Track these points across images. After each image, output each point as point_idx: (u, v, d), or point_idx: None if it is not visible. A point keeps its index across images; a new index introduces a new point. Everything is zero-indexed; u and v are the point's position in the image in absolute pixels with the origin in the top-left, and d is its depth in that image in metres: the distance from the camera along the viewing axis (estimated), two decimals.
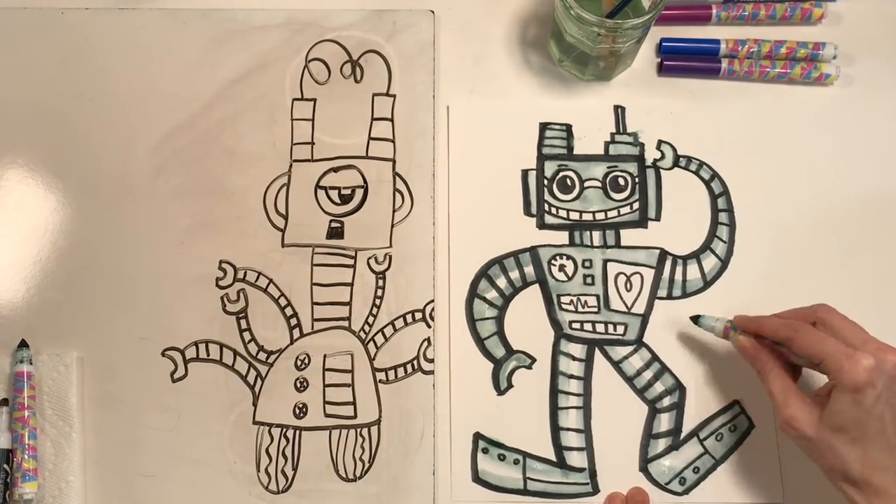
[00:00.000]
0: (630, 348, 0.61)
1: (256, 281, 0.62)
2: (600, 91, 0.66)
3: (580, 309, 0.61)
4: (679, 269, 0.62)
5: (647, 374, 0.60)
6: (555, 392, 0.60)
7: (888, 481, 0.50)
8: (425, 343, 0.61)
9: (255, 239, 0.62)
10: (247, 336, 0.61)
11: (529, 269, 0.62)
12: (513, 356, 0.61)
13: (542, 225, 0.63)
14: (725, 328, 0.57)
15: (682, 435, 0.59)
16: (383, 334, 0.61)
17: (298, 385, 0.60)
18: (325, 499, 0.58)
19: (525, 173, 0.64)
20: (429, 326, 0.61)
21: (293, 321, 0.61)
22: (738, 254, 0.62)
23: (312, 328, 0.61)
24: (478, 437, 0.59)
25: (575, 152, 0.64)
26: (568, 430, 0.59)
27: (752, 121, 0.65)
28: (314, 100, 0.65)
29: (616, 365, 0.61)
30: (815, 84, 0.66)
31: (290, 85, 0.65)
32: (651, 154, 0.64)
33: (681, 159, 0.64)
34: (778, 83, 0.66)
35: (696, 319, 0.59)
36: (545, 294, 0.62)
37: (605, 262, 0.62)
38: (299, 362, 0.60)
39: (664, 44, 0.66)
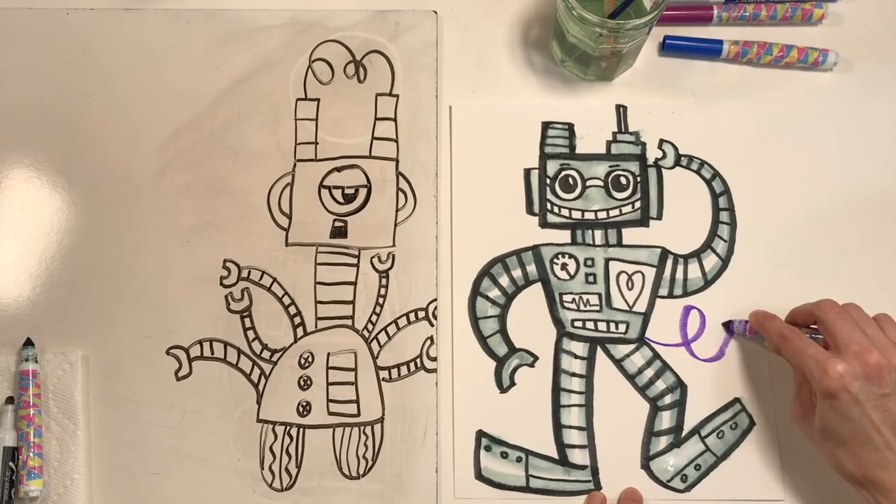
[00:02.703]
0: (632, 346, 0.61)
1: (260, 280, 0.62)
2: (602, 91, 0.66)
3: (582, 307, 0.62)
4: (680, 268, 0.63)
5: (649, 372, 0.60)
6: (557, 390, 0.60)
7: (886, 478, 0.50)
8: (428, 341, 0.61)
9: (259, 238, 0.63)
10: (251, 334, 0.61)
11: (532, 268, 0.63)
12: (515, 354, 0.61)
13: (544, 224, 0.63)
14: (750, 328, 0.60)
15: (684, 432, 0.60)
16: (386, 333, 0.61)
17: (302, 383, 0.60)
18: (328, 496, 0.59)
19: (527, 172, 0.64)
20: (432, 325, 0.61)
21: (297, 320, 0.61)
22: (738, 253, 0.63)
23: (316, 327, 0.61)
24: (480, 434, 0.60)
25: (577, 151, 0.65)
26: (570, 427, 0.60)
27: (752, 120, 0.65)
28: (318, 100, 0.65)
29: (618, 363, 0.61)
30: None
31: (293, 85, 0.66)
32: (652, 153, 0.65)
33: (682, 158, 0.65)
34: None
35: (727, 326, 0.61)
36: (547, 292, 0.62)
37: (607, 260, 0.63)
38: (303, 361, 0.61)
39: (668, 41, 0.66)
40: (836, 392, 0.51)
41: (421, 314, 0.61)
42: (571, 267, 0.63)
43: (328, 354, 0.61)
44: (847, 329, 0.53)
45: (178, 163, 0.64)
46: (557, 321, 0.62)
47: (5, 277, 0.62)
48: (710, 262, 0.63)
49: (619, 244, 0.63)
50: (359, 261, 0.62)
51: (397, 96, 0.65)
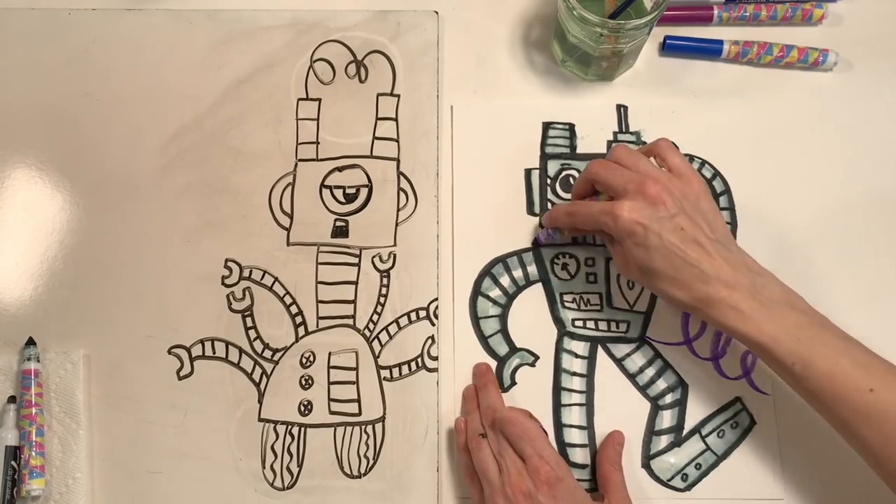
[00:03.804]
0: (632, 346, 0.61)
1: (262, 279, 0.62)
2: (603, 91, 0.67)
3: (583, 307, 0.62)
4: None
5: (650, 372, 0.61)
6: (558, 389, 0.60)
7: (712, 292, 0.52)
8: (429, 341, 0.61)
9: (260, 238, 0.63)
10: (252, 334, 0.61)
11: (532, 268, 0.63)
12: (516, 354, 0.61)
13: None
14: (555, 231, 0.61)
15: (685, 431, 0.60)
16: (387, 332, 0.61)
17: (303, 382, 0.60)
18: (329, 495, 0.59)
19: (528, 172, 0.65)
20: (433, 324, 0.61)
21: (298, 319, 0.61)
22: None
23: (317, 326, 0.61)
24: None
25: (578, 151, 0.65)
26: (571, 426, 0.60)
27: (753, 120, 0.66)
28: (319, 100, 0.65)
29: (618, 362, 0.61)
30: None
31: (295, 85, 0.66)
32: None
33: None
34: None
35: (535, 242, 0.62)
36: (548, 292, 0.62)
37: (608, 260, 0.63)
38: (304, 360, 0.61)
39: (668, 41, 0.66)
40: (631, 229, 0.53)
41: (422, 313, 0.61)
42: (572, 267, 0.63)
43: (329, 354, 0.61)
44: (617, 174, 0.54)
45: (180, 162, 0.64)
46: (558, 321, 0.62)
47: (7, 277, 0.62)
48: None
49: None
50: (360, 260, 0.62)
51: (398, 96, 0.65)
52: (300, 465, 0.59)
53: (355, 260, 0.62)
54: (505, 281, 0.62)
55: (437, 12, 0.67)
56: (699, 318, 0.54)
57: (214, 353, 0.61)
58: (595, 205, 0.55)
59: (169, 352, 0.61)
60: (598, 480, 0.57)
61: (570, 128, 0.65)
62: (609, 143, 0.65)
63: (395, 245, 0.63)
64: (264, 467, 0.59)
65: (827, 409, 0.51)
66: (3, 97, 0.65)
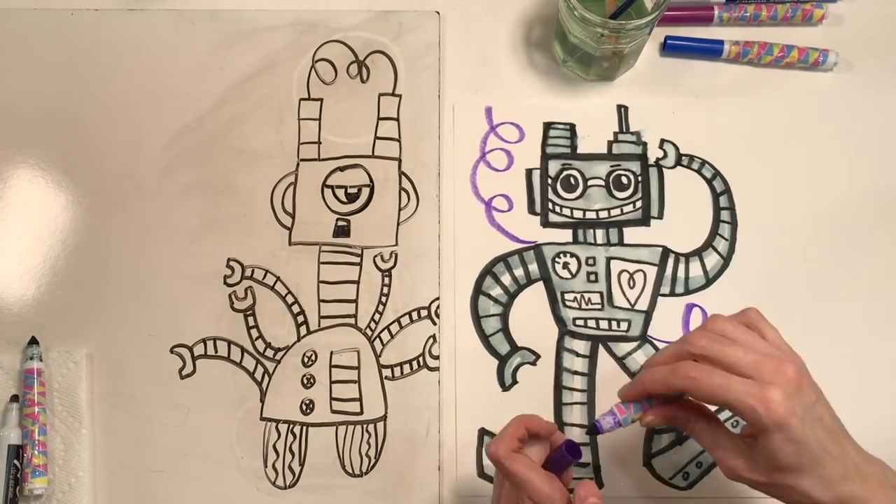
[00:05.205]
0: (633, 344, 0.61)
1: (264, 279, 0.62)
2: (603, 91, 0.67)
3: (584, 306, 0.62)
4: (682, 267, 0.63)
5: None
6: (559, 388, 0.61)
7: (855, 489, 0.46)
8: (431, 340, 0.61)
9: (262, 237, 0.63)
10: (254, 333, 0.61)
11: (534, 267, 0.63)
12: (517, 353, 0.61)
13: (546, 223, 0.64)
14: (627, 414, 0.50)
15: None
16: (389, 331, 0.61)
17: (305, 381, 0.61)
18: (331, 494, 0.59)
19: (529, 172, 0.65)
20: (434, 323, 0.61)
21: (300, 318, 0.62)
22: (739, 251, 0.63)
23: (319, 325, 0.61)
24: (483, 432, 0.60)
25: (578, 151, 0.65)
26: (572, 425, 0.60)
27: (753, 120, 0.66)
28: (321, 100, 0.66)
29: (620, 361, 0.61)
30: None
31: (297, 85, 0.66)
32: (654, 153, 0.65)
33: (683, 158, 0.65)
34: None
35: (592, 430, 0.51)
36: (549, 291, 0.62)
37: (609, 259, 0.63)
38: (306, 359, 0.61)
39: (669, 41, 0.67)
40: (786, 421, 0.44)
41: (423, 313, 0.62)
42: (573, 266, 0.63)
43: (331, 353, 0.61)
44: (741, 352, 0.45)
45: (182, 162, 0.64)
46: (559, 320, 0.62)
47: (10, 276, 0.62)
48: (712, 260, 0.63)
49: (621, 243, 0.63)
50: (362, 260, 0.63)
51: (400, 96, 0.66)
52: (302, 464, 0.59)
53: (357, 259, 0.63)
54: (506, 279, 0.63)
55: (438, 13, 0.67)
56: None
57: (216, 352, 0.61)
58: (729, 378, 0.45)
59: (171, 351, 0.61)
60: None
61: (571, 128, 0.65)
62: (609, 143, 0.65)
63: (396, 244, 0.63)
64: (266, 466, 0.59)
65: None
66: (6, 97, 0.65)
